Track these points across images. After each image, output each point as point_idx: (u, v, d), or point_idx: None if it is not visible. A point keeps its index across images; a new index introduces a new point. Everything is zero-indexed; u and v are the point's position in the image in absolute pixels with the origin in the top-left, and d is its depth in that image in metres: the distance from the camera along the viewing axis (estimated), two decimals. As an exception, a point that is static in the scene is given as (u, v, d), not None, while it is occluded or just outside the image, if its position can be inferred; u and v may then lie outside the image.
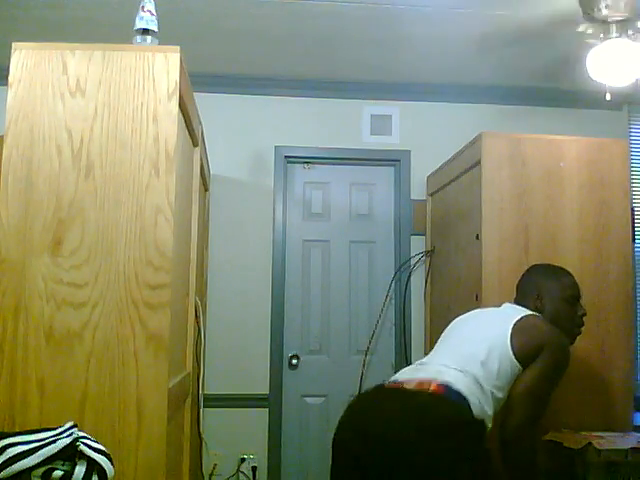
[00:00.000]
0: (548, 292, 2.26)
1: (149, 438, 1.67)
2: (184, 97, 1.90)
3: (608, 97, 2.73)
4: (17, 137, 1.73)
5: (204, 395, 2.91)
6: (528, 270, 2.41)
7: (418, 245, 3.72)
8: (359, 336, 3.70)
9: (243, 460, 3.50)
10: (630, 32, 2.58)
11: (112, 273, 1.71)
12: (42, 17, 2.94)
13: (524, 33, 3.03)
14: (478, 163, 2.81)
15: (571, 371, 2.14)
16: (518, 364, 2.00)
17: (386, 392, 2.00)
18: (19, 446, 1.33)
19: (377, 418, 1.87)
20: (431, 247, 3.60)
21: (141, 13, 1.91)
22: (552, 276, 2.32)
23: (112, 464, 1.40)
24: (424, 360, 2.18)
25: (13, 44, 1.78)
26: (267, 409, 3.56)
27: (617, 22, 2.57)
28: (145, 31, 1.90)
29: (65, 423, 1.43)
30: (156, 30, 1.92)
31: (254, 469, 3.49)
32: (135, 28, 1.90)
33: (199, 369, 2.62)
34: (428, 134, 3.80)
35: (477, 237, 2.78)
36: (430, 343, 3.45)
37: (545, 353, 2.01)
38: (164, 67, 1.79)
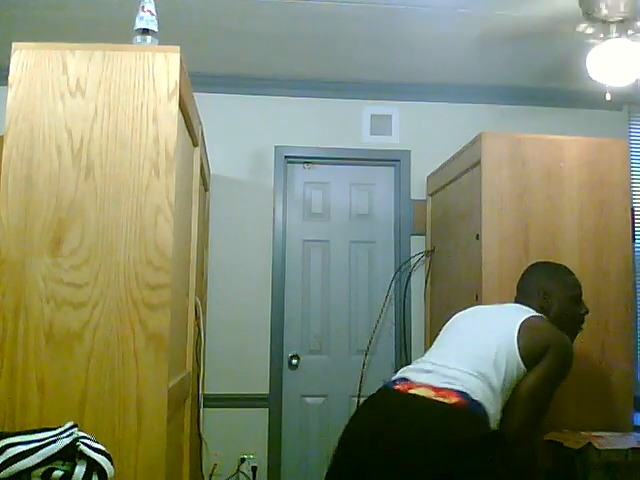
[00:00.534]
0: (554, 291, 2.25)
1: (149, 438, 1.67)
2: (184, 97, 1.90)
3: (608, 97, 2.73)
4: (17, 137, 1.73)
5: (204, 395, 2.91)
6: (529, 269, 2.39)
7: (418, 245, 3.72)
8: (359, 336, 3.70)
9: (243, 460, 3.50)
10: (630, 32, 2.58)
11: (112, 273, 1.71)
12: (42, 17, 2.94)
13: (524, 33, 3.03)
14: (478, 163, 2.81)
15: (571, 371, 2.13)
16: (523, 365, 1.99)
17: (403, 399, 1.93)
18: (19, 446, 1.33)
19: (401, 431, 1.82)
20: (431, 247, 3.60)
21: (141, 13, 1.91)
22: (556, 275, 2.31)
23: (112, 464, 1.40)
24: (434, 360, 2.11)
25: (13, 44, 1.78)
26: (267, 409, 3.56)
27: (617, 22, 2.57)
28: (145, 31, 1.90)
29: (65, 423, 1.43)
30: (156, 30, 1.92)
31: (254, 469, 3.49)
32: (135, 28, 1.90)
33: (199, 369, 2.62)
34: (428, 134, 3.80)
35: (477, 237, 2.78)
36: (430, 343, 3.44)
37: (549, 355, 2.00)
38: (164, 67, 1.79)
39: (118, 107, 1.76)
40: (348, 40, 3.20)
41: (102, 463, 1.37)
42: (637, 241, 3.32)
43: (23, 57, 1.77)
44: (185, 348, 2.27)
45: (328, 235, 3.78)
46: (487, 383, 1.93)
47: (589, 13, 2.59)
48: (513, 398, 1.98)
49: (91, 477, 1.34)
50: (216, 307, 3.55)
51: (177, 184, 1.79)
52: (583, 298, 2.34)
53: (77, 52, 1.78)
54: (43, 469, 1.32)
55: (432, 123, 3.83)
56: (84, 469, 1.34)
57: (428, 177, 3.68)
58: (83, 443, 1.37)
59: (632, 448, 2.29)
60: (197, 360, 2.52)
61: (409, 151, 3.81)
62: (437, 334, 2.34)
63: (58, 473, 1.32)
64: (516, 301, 2.32)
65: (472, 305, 2.71)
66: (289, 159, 3.77)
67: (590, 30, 2.65)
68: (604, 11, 2.53)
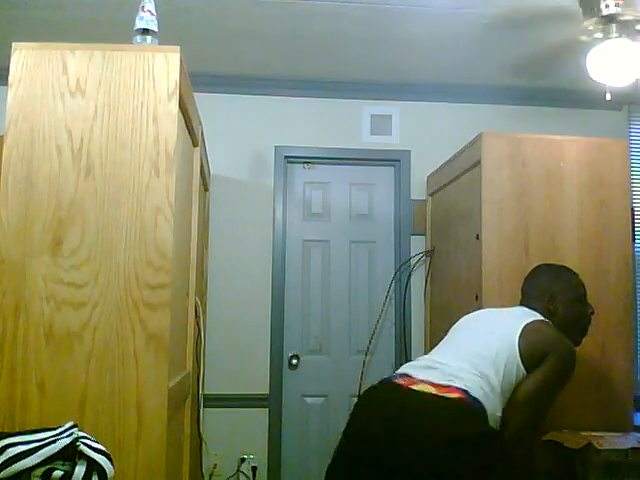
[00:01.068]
0: (559, 294, 2.24)
1: (149, 438, 1.67)
2: (184, 97, 1.90)
3: (608, 97, 2.73)
4: (17, 137, 1.73)
5: (204, 395, 2.91)
6: (533, 272, 2.38)
7: (418, 245, 3.72)
8: (359, 336, 3.70)
9: (243, 460, 3.50)
10: (630, 32, 2.58)
11: (112, 273, 1.71)
12: (42, 17, 2.94)
13: (524, 33, 3.03)
14: (478, 163, 2.81)
15: (574, 365, 2.13)
16: (523, 368, 1.99)
17: (405, 394, 1.94)
18: (19, 446, 1.33)
19: (405, 421, 1.85)
20: (431, 247, 3.60)
21: (141, 13, 1.91)
22: (560, 277, 2.30)
23: (112, 464, 1.40)
24: (436, 358, 2.12)
25: (13, 44, 1.78)
26: (267, 409, 3.56)
27: (617, 22, 2.57)
28: (145, 31, 1.90)
29: (65, 423, 1.43)
30: (156, 30, 1.92)
31: (254, 469, 3.49)
32: (135, 28, 1.90)
33: (199, 369, 2.62)
34: (428, 134, 3.80)
35: (477, 237, 2.78)
36: (430, 343, 3.45)
37: (550, 360, 1.99)
38: (164, 67, 1.79)
39: (118, 107, 1.76)
40: (348, 40, 3.20)
41: (102, 463, 1.37)
42: (637, 241, 3.32)
43: (23, 57, 1.77)
44: (185, 348, 2.27)
45: (328, 235, 3.79)
46: (486, 382, 1.93)
47: (589, 13, 2.59)
48: (512, 401, 1.98)
49: (91, 477, 1.34)
50: (216, 307, 3.55)
51: (177, 184, 1.79)
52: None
53: (77, 52, 1.78)
54: (43, 469, 1.32)
55: (432, 123, 3.83)
56: (84, 469, 1.34)
57: (428, 177, 3.68)
58: (83, 443, 1.37)
59: (632, 448, 2.29)
60: (197, 360, 2.52)
61: (409, 151, 3.81)
62: (443, 336, 2.34)
63: (58, 473, 1.32)
64: (522, 304, 2.31)
65: (472, 305, 2.72)
66: (289, 159, 3.77)
67: (590, 30, 2.65)
68: (604, 11, 2.53)
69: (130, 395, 1.67)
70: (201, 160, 2.55)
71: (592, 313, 2.31)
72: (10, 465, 1.30)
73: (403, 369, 2.10)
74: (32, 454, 1.32)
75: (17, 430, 1.53)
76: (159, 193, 1.74)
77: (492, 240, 2.73)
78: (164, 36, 1.94)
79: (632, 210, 2.90)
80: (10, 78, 1.76)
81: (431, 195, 3.66)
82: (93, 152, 1.74)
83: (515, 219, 2.75)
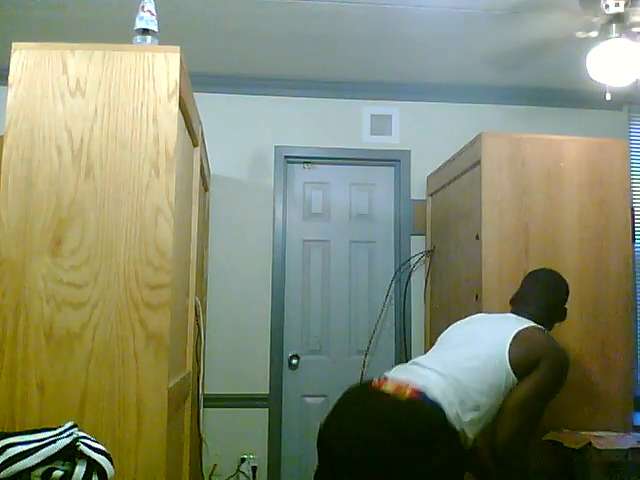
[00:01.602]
0: (558, 305, 2.32)
1: (149, 438, 1.67)
2: (184, 97, 1.90)
3: (608, 97, 2.73)
4: (17, 137, 1.73)
5: (204, 395, 2.91)
6: (533, 279, 2.40)
7: (418, 245, 3.72)
8: (359, 336, 3.70)
9: (243, 460, 3.50)
10: (630, 32, 2.58)
11: (112, 273, 1.71)
12: (42, 17, 2.94)
13: (524, 33, 3.03)
14: (478, 163, 2.81)
15: (571, 371, 2.14)
16: (513, 374, 1.98)
17: (367, 393, 2.04)
18: (19, 446, 1.33)
19: (355, 418, 1.95)
20: (431, 247, 3.60)
21: (141, 13, 1.91)
22: (558, 287, 2.34)
23: (112, 464, 1.40)
24: (417, 360, 2.19)
25: (13, 44, 1.78)
26: (267, 409, 3.56)
27: (617, 22, 2.57)
28: (145, 31, 1.90)
29: (65, 423, 1.43)
30: (156, 30, 1.92)
31: (254, 469, 3.49)
32: (135, 28, 1.90)
33: (199, 369, 2.62)
34: (428, 134, 3.80)
35: (477, 237, 2.78)
36: (430, 343, 3.45)
37: (542, 367, 1.99)
38: (164, 67, 1.79)
39: (118, 107, 1.76)
40: (348, 40, 3.20)
41: (102, 463, 1.37)
42: (637, 241, 3.32)
43: (23, 57, 1.77)
44: (185, 348, 2.27)
45: (328, 235, 3.78)
46: (455, 385, 1.94)
47: (589, 13, 2.59)
48: (503, 408, 1.97)
49: (91, 477, 1.34)
50: (216, 307, 3.55)
51: (177, 184, 1.79)
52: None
53: (77, 52, 1.78)
54: (43, 469, 1.31)
55: (432, 123, 3.83)
56: (84, 469, 1.34)
57: (428, 177, 3.68)
58: (83, 443, 1.37)
59: (632, 448, 2.29)
60: (197, 360, 2.52)
61: (409, 151, 3.81)
62: (437, 338, 2.36)
63: (58, 473, 1.32)
64: (516, 309, 2.31)
65: (472, 305, 2.72)
66: (289, 159, 3.77)
67: (590, 30, 2.65)
68: (604, 11, 2.53)
69: (130, 395, 1.67)
70: (201, 160, 2.55)
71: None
72: (10, 465, 1.30)
73: (390, 371, 2.14)
74: (32, 454, 1.32)
75: (17, 430, 1.53)
76: (159, 193, 1.74)
77: (492, 240, 2.73)
78: (164, 36, 1.94)
79: (632, 210, 2.90)
80: (10, 78, 1.76)
81: (431, 195, 3.66)
82: (93, 152, 1.74)
83: (515, 219, 2.75)
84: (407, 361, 3.50)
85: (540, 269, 2.46)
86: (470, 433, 1.91)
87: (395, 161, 3.82)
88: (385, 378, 2.05)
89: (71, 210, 1.72)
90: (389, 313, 3.73)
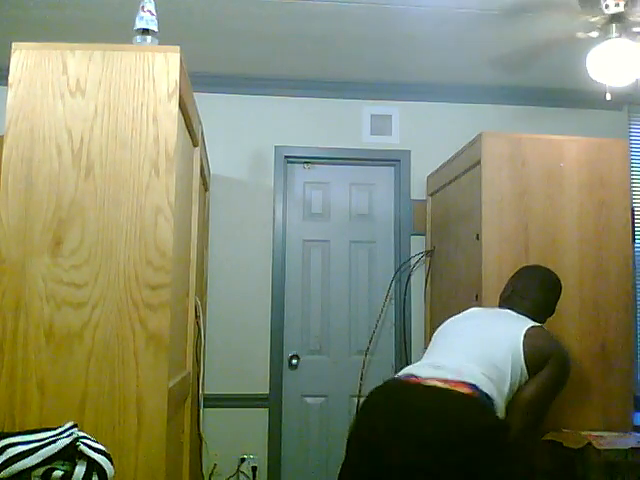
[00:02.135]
0: (552, 303, 2.36)
1: (149, 438, 1.67)
2: (184, 97, 1.90)
3: (608, 97, 2.73)
4: (17, 137, 1.73)
5: (204, 395, 2.91)
6: (528, 274, 2.41)
7: (418, 245, 3.72)
8: (359, 336, 3.70)
9: (243, 460, 3.50)
10: (630, 32, 2.58)
11: (112, 273, 1.71)
12: (42, 17, 2.94)
13: (524, 33, 3.03)
14: (478, 163, 2.81)
15: (571, 371, 2.14)
16: (526, 372, 2.02)
17: (421, 391, 1.93)
18: (19, 446, 1.33)
19: (413, 416, 1.83)
20: (431, 247, 3.60)
21: (141, 13, 1.91)
22: (554, 285, 2.37)
23: (112, 464, 1.40)
24: (438, 360, 2.11)
25: (13, 44, 1.78)
26: (267, 409, 3.56)
27: (617, 22, 2.57)
28: (145, 31, 1.90)
29: (65, 423, 1.43)
30: (156, 30, 1.92)
31: (254, 469, 3.49)
32: (135, 28, 1.90)
33: (199, 369, 2.62)
34: (428, 134, 3.80)
35: (477, 237, 2.78)
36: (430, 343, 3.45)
37: (550, 366, 2.04)
38: (164, 67, 1.79)
39: (118, 107, 1.76)
40: (348, 40, 3.20)
41: (102, 463, 1.37)
42: (637, 241, 3.32)
43: (23, 57, 1.77)
44: (185, 348, 2.27)
45: (328, 235, 3.78)
46: (491, 383, 1.94)
47: (589, 13, 2.60)
48: (514, 404, 1.98)
49: (91, 477, 1.34)
50: (216, 307, 3.55)
51: (177, 184, 1.79)
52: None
53: (77, 52, 1.78)
54: (43, 469, 1.31)
55: (432, 123, 3.83)
56: (84, 469, 1.34)
57: (428, 177, 3.68)
58: (83, 443, 1.37)
59: (632, 448, 2.29)
60: (197, 360, 2.52)
61: (409, 151, 3.81)
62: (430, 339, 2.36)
63: (58, 473, 1.32)
64: (511, 304, 2.31)
65: (472, 305, 2.72)
66: (289, 159, 3.77)
67: (590, 30, 2.65)
68: (604, 11, 2.53)
69: (130, 395, 1.67)
70: (201, 160, 2.55)
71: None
72: (10, 465, 1.30)
73: (407, 371, 2.08)
74: (32, 454, 1.32)
75: (17, 430, 1.53)
76: (159, 193, 1.74)
77: (492, 240, 2.73)
78: (164, 36, 1.94)
79: (632, 210, 2.90)
80: (10, 78, 1.76)
81: (431, 195, 3.66)
82: (93, 152, 1.74)
83: (515, 219, 2.75)
84: (407, 361, 3.52)
85: (535, 266, 2.47)
86: None
87: (395, 161, 3.82)
88: (414, 376, 1.99)
89: (71, 210, 1.72)
90: (389, 313, 3.73)
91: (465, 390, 1.87)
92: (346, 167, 3.83)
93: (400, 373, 2.10)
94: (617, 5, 2.50)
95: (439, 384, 1.90)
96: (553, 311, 2.38)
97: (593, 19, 2.61)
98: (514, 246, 2.73)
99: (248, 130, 3.73)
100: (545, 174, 2.79)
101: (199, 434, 2.72)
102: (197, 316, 2.46)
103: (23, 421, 1.63)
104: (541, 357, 2.04)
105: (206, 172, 3.10)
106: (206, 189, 3.26)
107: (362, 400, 2.06)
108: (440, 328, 2.36)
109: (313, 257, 3.76)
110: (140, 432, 1.66)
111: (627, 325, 2.77)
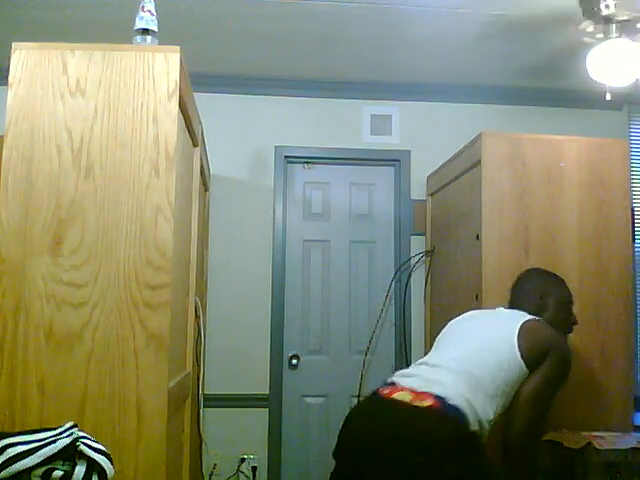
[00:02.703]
0: (551, 295, 2.30)
1: (149, 438, 1.67)
2: (184, 97, 1.90)
3: (608, 97, 2.73)
4: (17, 137, 1.73)
5: (204, 395, 2.91)
6: (526, 274, 2.43)
7: (418, 245, 3.72)
8: (359, 336, 3.70)
9: (243, 460, 3.50)
10: (630, 32, 2.58)
11: (112, 273, 1.71)
12: (42, 17, 2.94)
13: (524, 33, 3.03)
14: (478, 163, 2.81)
15: (571, 370, 2.14)
16: (525, 367, 1.99)
17: (382, 405, 1.96)
18: (19, 446, 1.33)
19: (374, 436, 1.87)
20: (431, 247, 3.60)
21: (141, 13, 1.91)
22: (554, 282, 2.35)
23: (112, 464, 1.40)
24: (426, 360, 2.15)
25: (13, 44, 1.78)
26: (267, 409, 3.56)
27: (617, 22, 2.57)
28: (145, 31, 1.90)
29: (65, 423, 1.43)
30: (156, 30, 1.92)
31: (254, 469, 3.49)
32: (135, 28, 1.90)
33: (199, 369, 2.62)
34: (428, 134, 3.80)
35: (477, 237, 2.78)
36: (430, 343, 3.45)
37: (551, 358, 2.02)
38: (164, 67, 1.79)
39: (118, 107, 1.76)
40: (348, 40, 3.20)
41: (102, 463, 1.37)
42: (637, 241, 3.32)
43: (23, 57, 1.77)
44: (185, 348, 2.27)
45: (328, 235, 3.78)
46: (479, 386, 1.92)
47: (589, 13, 2.60)
48: (515, 401, 1.97)
49: (91, 477, 1.34)
50: (216, 307, 3.55)
51: (177, 184, 1.79)
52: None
53: (77, 52, 1.78)
54: (43, 469, 1.32)
55: (432, 123, 3.83)
56: (84, 469, 1.34)
57: (428, 177, 3.68)
58: (83, 443, 1.37)
59: (632, 448, 2.29)
60: (197, 360, 2.52)
61: (409, 151, 3.81)
62: (435, 338, 2.35)
63: (58, 473, 1.32)
64: (511, 305, 2.33)
65: (472, 305, 2.72)
66: (289, 159, 3.77)
67: (590, 30, 2.65)
68: (604, 11, 2.54)
69: (130, 395, 1.67)
70: (201, 160, 2.55)
71: (574, 323, 2.34)
72: (10, 465, 1.30)
73: (394, 376, 2.10)
74: (32, 454, 1.32)
75: (17, 430, 1.53)
76: (159, 193, 1.74)
77: (492, 240, 2.73)
78: (164, 36, 1.94)
79: (632, 210, 2.90)
80: (10, 78, 1.76)
81: (431, 195, 3.66)
82: (93, 152, 1.74)
83: (515, 219, 2.75)
84: (407, 361, 3.52)
85: (530, 269, 2.47)
86: (486, 431, 1.91)
87: (395, 161, 3.82)
88: (393, 384, 2.01)
89: (71, 210, 1.72)
90: (389, 313, 3.73)
91: (427, 403, 1.85)
92: (346, 167, 3.83)
93: (391, 377, 2.11)
94: (617, 5, 2.50)
95: (405, 397, 1.90)
96: (565, 322, 2.30)
97: (593, 19, 2.60)
98: (514, 246, 2.73)
99: (248, 130, 3.73)
100: (545, 174, 2.79)
101: (199, 434, 2.72)
102: (197, 316, 2.46)
103: (23, 421, 1.63)
104: (539, 350, 2.01)
105: (206, 172, 3.10)
106: (206, 189, 3.26)
107: (354, 403, 2.11)
108: (445, 328, 2.36)
109: (313, 257, 3.76)
110: (140, 432, 1.66)
111: (627, 325, 2.77)
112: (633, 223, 2.92)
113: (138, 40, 1.90)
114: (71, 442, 1.35)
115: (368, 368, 3.60)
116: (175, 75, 1.79)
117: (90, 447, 1.38)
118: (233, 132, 3.71)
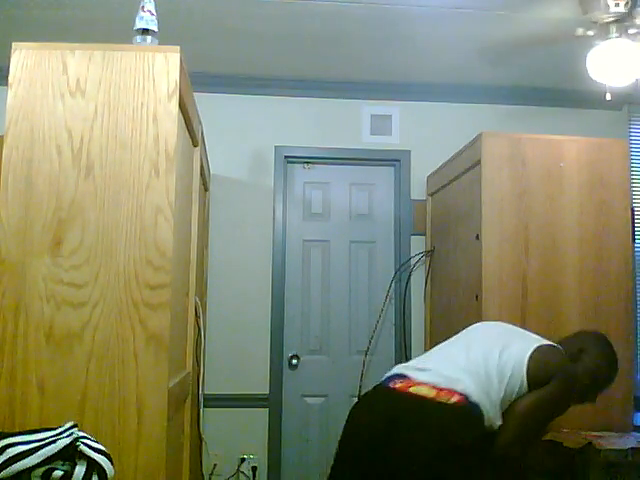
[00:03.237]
0: (591, 357, 2.20)
1: (149, 438, 1.67)
2: (184, 97, 1.90)
3: (608, 97, 2.73)
4: (17, 137, 1.73)
5: (204, 395, 2.91)
6: (594, 334, 2.31)
7: (418, 245, 3.72)
8: (359, 336, 3.70)
9: (243, 460, 3.50)
10: (630, 32, 2.58)
11: (112, 273, 1.71)
12: (42, 17, 2.94)
13: (524, 33, 3.03)
14: (478, 163, 2.81)
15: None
16: (526, 385, 1.98)
17: (401, 399, 1.93)
18: (19, 446, 1.33)
19: (397, 430, 1.84)
20: (431, 247, 3.60)
21: (141, 13, 1.91)
22: (607, 353, 2.25)
23: (112, 464, 1.40)
24: (439, 357, 2.13)
25: (13, 44, 1.78)
26: (267, 409, 3.56)
27: (617, 22, 2.57)
28: (145, 31, 1.90)
29: (65, 423, 1.43)
30: (156, 30, 1.92)
31: (254, 469, 3.49)
32: (135, 28, 1.90)
33: (199, 369, 2.62)
34: (428, 134, 3.80)
35: (477, 237, 2.78)
36: (430, 343, 3.45)
37: (552, 384, 1.99)
38: (164, 67, 1.79)
39: (118, 107, 1.76)
40: (348, 40, 3.20)
41: (102, 463, 1.37)
42: (637, 241, 3.32)
43: (23, 57, 1.77)
44: (185, 348, 2.27)
45: (328, 235, 3.78)
46: (489, 386, 1.93)
47: (589, 13, 2.59)
48: (508, 414, 1.96)
49: (91, 477, 1.34)
50: (216, 307, 3.55)
51: (177, 184, 1.79)
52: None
53: (77, 52, 1.78)
54: (43, 469, 1.31)
55: (432, 123, 3.83)
56: (84, 469, 1.34)
57: (428, 177, 3.68)
58: (83, 443, 1.37)
59: (632, 448, 2.29)
60: (197, 360, 2.52)
61: (409, 151, 3.81)
62: (443, 336, 2.33)
63: (58, 473, 1.32)
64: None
65: (472, 305, 2.72)
66: (289, 159, 3.77)
67: (590, 30, 2.65)
68: (604, 11, 2.53)
69: (130, 395, 1.67)
70: (201, 160, 2.55)
71: (589, 402, 2.24)
72: (10, 465, 1.30)
73: (398, 370, 2.09)
74: (32, 454, 1.32)
75: (17, 430, 1.53)
76: (159, 193, 1.74)
77: (492, 240, 2.73)
78: (164, 36, 1.94)
79: (632, 210, 2.90)
80: (10, 78, 1.76)
81: (431, 195, 3.66)
82: (93, 152, 1.74)
83: (515, 219, 2.75)
84: (407, 361, 3.51)
85: (599, 334, 2.34)
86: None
87: (395, 161, 3.82)
88: (404, 376, 2.00)
89: (71, 210, 1.72)
90: (389, 313, 3.73)
91: (453, 400, 1.86)
92: (346, 167, 3.83)
93: (392, 371, 2.10)
94: (617, 5, 2.50)
95: (428, 392, 1.90)
96: (588, 373, 2.17)
97: (593, 19, 2.60)
98: (514, 246, 2.73)
99: (248, 130, 3.73)
100: (545, 174, 2.79)
101: (199, 434, 2.72)
102: (197, 316, 2.46)
103: (23, 421, 1.63)
104: (544, 374, 1.99)
105: (206, 172, 3.10)
106: (206, 189, 3.26)
107: (350, 409, 2.07)
108: (469, 328, 2.31)
109: (313, 257, 3.76)
110: (140, 432, 1.66)
111: (627, 325, 2.77)
112: (633, 223, 2.91)
113: (138, 40, 1.90)
114: (71, 442, 1.35)
115: (368, 368, 3.60)
116: (175, 75, 1.79)
117: (90, 447, 1.37)
118: (233, 132, 3.71)
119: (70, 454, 1.35)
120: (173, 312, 1.78)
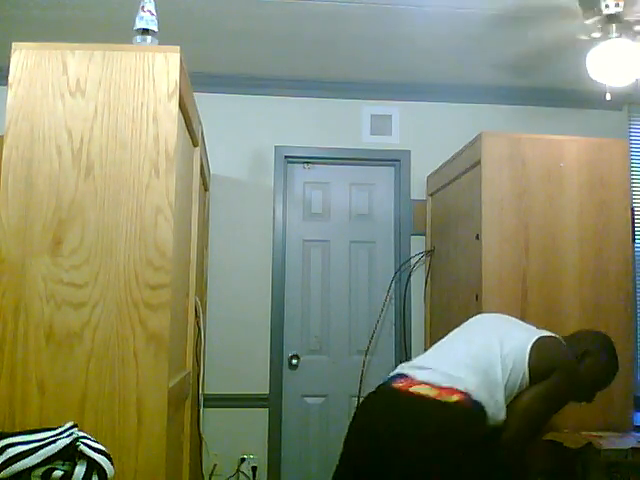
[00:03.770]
0: (594, 358, 2.19)
1: (149, 438, 1.67)
2: (184, 97, 1.90)
3: (608, 97, 2.73)
4: (17, 137, 1.73)
5: (204, 395, 2.91)
6: (598, 334, 2.31)
7: (418, 245, 3.72)
8: (359, 336, 3.70)
9: (243, 460, 3.50)
10: (630, 32, 2.58)
11: (112, 273, 1.71)
12: (42, 17, 2.94)
13: (524, 33, 3.03)
14: (478, 163, 2.81)
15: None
16: (528, 377, 1.98)
17: (403, 399, 1.94)
18: (19, 446, 1.33)
19: (400, 431, 1.85)
20: (431, 247, 3.60)
21: (141, 13, 1.91)
22: (610, 354, 2.24)
23: (112, 464, 1.40)
24: (440, 354, 2.13)
25: (13, 44, 1.78)
26: (267, 409, 3.56)
27: (617, 22, 2.57)
28: (145, 31, 1.90)
29: (65, 423, 1.43)
30: (156, 30, 1.92)
31: (254, 469, 3.49)
32: (135, 28, 1.90)
33: (199, 369, 2.62)
34: (428, 134, 3.80)
35: (477, 237, 2.78)
36: (430, 343, 3.45)
37: (554, 377, 1.99)
38: (164, 67, 1.79)
39: (118, 107, 1.76)
40: (348, 40, 3.20)
41: (102, 463, 1.37)
42: (637, 241, 3.32)
43: (23, 57, 1.77)
44: (185, 348, 2.27)
45: (328, 235, 3.78)
46: (491, 380, 1.93)
47: (589, 13, 2.60)
48: (510, 409, 1.96)
49: (91, 477, 1.34)
50: (216, 307, 3.55)
51: (177, 184, 1.79)
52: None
53: (77, 52, 1.78)
54: (43, 469, 1.32)
55: (432, 123, 3.83)
56: (84, 469, 1.34)
57: (428, 177, 3.68)
58: (83, 443, 1.37)
59: (632, 448, 2.29)
60: (197, 360, 2.52)
61: (409, 151, 3.81)
62: (443, 335, 2.33)
63: (58, 473, 1.32)
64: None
65: (472, 305, 2.72)
66: (289, 159, 3.77)
67: (590, 30, 2.65)
68: (604, 11, 2.53)
69: (130, 395, 1.67)
70: (201, 160, 2.55)
71: (586, 401, 2.24)
72: (10, 465, 1.30)
73: (402, 369, 2.10)
74: (32, 454, 1.32)
75: (17, 430, 1.53)
76: (159, 193, 1.74)
77: (492, 240, 2.73)
78: (164, 36, 1.94)
79: (632, 210, 2.90)
80: (10, 78, 1.76)
81: (431, 195, 3.66)
82: (93, 152, 1.74)
83: (515, 219, 2.75)
84: (407, 361, 3.51)
85: (604, 335, 2.34)
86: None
87: (395, 161, 3.82)
88: (405, 375, 2.01)
89: (71, 210, 1.72)
90: (389, 313, 3.73)
91: (454, 398, 1.86)
92: (346, 167, 3.83)
93: (397, 370, 2.10)
94: (617, 5, 2.50)
95: (429, 392, 1.90)
96: (590, 374, 2.17)
97: (593, 19, 2.60)
98: (514, 246, 2.73)
99: (248, 130, 3.73)
100: (545, 174, 2.79)
101: (199, 434, 2.72)
102: (197, 316, 2.46)
103: (23, 421, 1.63)
104: (546, 366, 1.99)
105: (206, 172, 3.10)
106: (206, 189, 3.26)
107: (355, 409, 2.07)
108: (465, 323, 2.32)
109: (313, 257, 3.76)
110: (140, 432, 1.66)
111: (627, 325, 2.77)
112: (633, 223, 2.92)
113: (138, 40, 1.90)
114: (71, 442, 1.35)
115: (368, 368, 3.60)
116: (175, 75, 1.79)
117: (90, 447, 1.38)
118: (233, 132, 3.71)
119: (70, 454, 1.35)
120: (173, 312, 1.78)
